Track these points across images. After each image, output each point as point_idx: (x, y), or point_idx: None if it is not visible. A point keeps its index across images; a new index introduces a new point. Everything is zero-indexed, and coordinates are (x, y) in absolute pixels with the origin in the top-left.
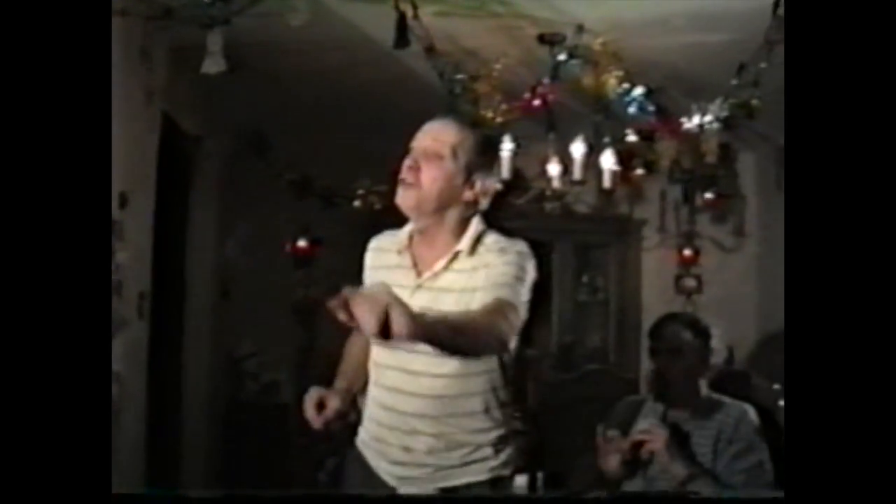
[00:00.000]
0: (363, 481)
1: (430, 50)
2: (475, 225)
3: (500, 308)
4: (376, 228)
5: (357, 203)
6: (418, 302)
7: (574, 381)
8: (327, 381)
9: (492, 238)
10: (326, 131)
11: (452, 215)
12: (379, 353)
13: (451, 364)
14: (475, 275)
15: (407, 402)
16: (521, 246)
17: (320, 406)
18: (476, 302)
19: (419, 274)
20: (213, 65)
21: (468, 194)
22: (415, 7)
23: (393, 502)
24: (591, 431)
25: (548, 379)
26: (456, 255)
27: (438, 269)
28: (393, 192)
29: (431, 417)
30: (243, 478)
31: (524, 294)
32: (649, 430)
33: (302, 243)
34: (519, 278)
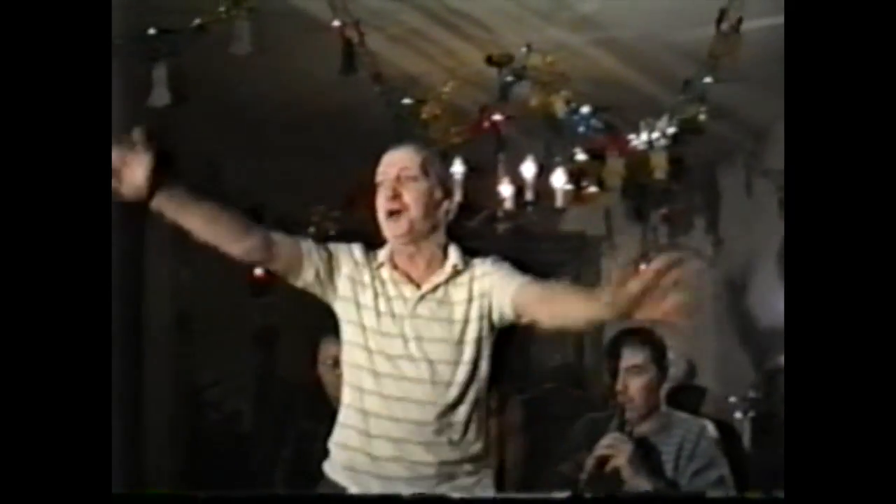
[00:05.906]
0: None
1: (377, 76)
2: (449, 240)
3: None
4: None
5: (312, 229)
6: (421, 311)
7: (533, 401)
8: (289, 409)
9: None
10: (278, 159)
11: (438, 231)
12: (378, 363)
13: (448, 371)
14: (475, 284)
15: (414, 411)
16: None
17: None
18: (497, 300)
19: (417, 287)
20: (159, 98)
21: (446, 205)
22: (361, 34)
23: (392, 502)
24: (552, 450)
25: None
26: (455, 270)
27: (439, 282)
28: (347, 217)
29: (439, 427)
30: None
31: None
32: (612, 444)
33: (259, 272)
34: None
